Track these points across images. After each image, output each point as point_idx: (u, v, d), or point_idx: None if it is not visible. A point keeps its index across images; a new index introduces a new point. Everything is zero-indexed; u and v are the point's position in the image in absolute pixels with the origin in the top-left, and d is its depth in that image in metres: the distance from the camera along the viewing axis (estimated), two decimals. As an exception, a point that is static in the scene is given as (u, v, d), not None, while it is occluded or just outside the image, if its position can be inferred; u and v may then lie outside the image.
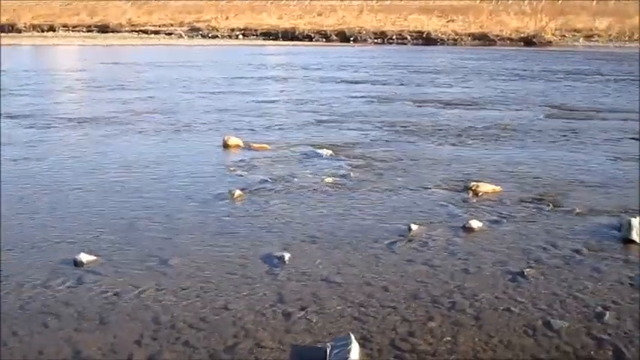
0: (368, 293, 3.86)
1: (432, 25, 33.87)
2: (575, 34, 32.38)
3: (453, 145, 8.12)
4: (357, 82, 15.21)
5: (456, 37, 31.80)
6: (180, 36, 35.42)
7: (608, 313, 3.63)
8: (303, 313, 3.61)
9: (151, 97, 12.57)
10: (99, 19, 39.02)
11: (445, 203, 5.62)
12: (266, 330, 3.43)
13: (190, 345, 3.29)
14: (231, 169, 6.78)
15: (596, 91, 13.89)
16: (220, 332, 3.41)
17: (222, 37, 35.09)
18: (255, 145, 7.89)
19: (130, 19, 39.03)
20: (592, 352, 3.23)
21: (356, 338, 3.24)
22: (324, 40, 33.20)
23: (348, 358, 3.05)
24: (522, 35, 31.31)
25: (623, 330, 3.44)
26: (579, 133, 8.97)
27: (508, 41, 30.88)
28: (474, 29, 32.94)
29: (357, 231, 4.91)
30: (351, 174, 6.53)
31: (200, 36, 35.57)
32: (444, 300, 3.77)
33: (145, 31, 36.96)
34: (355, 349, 3.12)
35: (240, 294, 3.85)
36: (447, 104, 11.70)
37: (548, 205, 5.57)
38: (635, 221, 4.79)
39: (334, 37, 33.24)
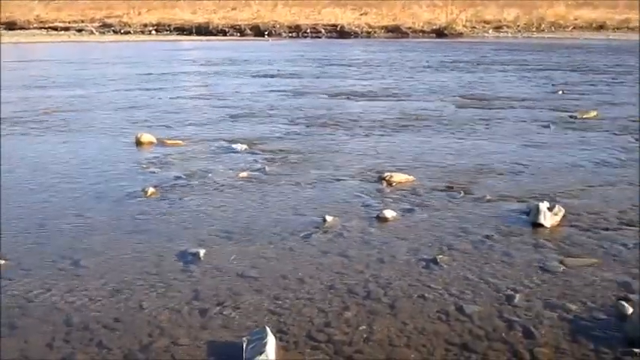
0: (284, 286, 3.86)
1: (345, 18, 34.11)
2: (485, 25, 33.13)
3: (367, 136, 8.20)
4: (271, 76, 15.19)
5: (370, 29, 32.12)
6: (92, 32, 34.69)
7: (518, 295, 3.72)
8: (219, 308, 3.59)
9: (62, 95, 12.27)
10: (5, 16, 37.82)
11: (359, 194, 5.66)
12: (182, 327, 3.39)
13: (104, 346, 3.22)
14: (144, 166, 6.68)
15: (505, 80, 14.24)
16: (135, 332, 3.35)
17: (135, 32, 34.54)
18: (168, 141, 7.79)
19: (38, 16, 38.00)
20: (503, 335, 3.30)
21: (272, 331, 3.23)
22: (238, 34, 33.06)
23: (264, 351, 3.05)
24: (434, 27, 31.87)
25: (533, 311, 3.54)
26: (489, 121, 9.18)
27: (420, 33, 31.37)
28: (387, 22, 33.33)
29: (273, 224, 4.91)
30: (266, 168, 6.52)
31: (112, 32, 34.93)
32: (359, 290, 3.80)
33: (55, 28, 36.06)
34: (271, 342, 3.12)
35: (155, 292, 3.80)
36: (361, 96, 11.81)
37: (460, 193, 5.68)
38: (542, 206, 4.93)
39: (249, 32, 33.14)
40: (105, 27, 35.76)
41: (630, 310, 3.44)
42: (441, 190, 5.77)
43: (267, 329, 3.22)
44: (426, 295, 3.74)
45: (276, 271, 4.08)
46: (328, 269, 4.10)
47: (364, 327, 3.37)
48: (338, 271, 4.07)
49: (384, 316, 3.50)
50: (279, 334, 3.29)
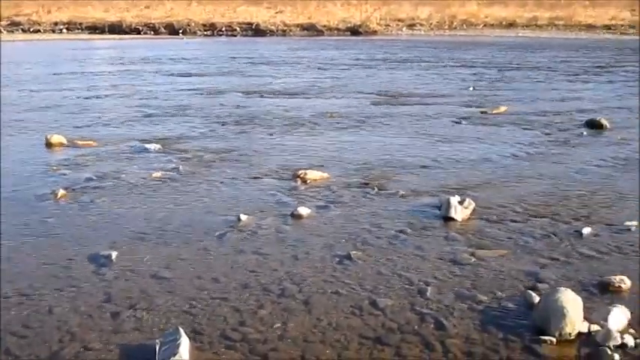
0: (198, 286, 3.83)
1: (261, 16, 34.02)
2: (399, 23, 33.58)
3: (283, 134, 8.20)
4: (186, 75, 15.02)
5: (285, 27, 32.12)
6: (-1, 31, 33.60)
7: (430, 288, 3.79)
8: (131, 311, 3.53)
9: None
10: None
11: (274, 192, 5.67)
12: (93, 332, 3.33)
13: (12, 353, 3.14)
14: (54, 167, 6.51)
15: (419, 77, 14.46)
16: (44, 338, 3.27)
17: (45, 31, 33.62)
18: (79, 142, 7.62)
19: (-59, 14, 36.61)
20: (415, 327, 3.36)
21: (186, 332, 3.20)
22: (152, 33, 32.56)
23: (177, 352, 3.02)
24: (349, 25, 32.08)
25: (444, 303, 3.61)
26: (404, 118, 9.31)
27: (335, 31, 31.54)
28: (303, 20, 33.40)
29: (187, 225, 4.86)
30: (181, 167, 6.45)
31: (21, 31, 33.91)
32: (273, 287, 3.80)
33: (-42, 27, 34.77)
34: (185, 343, 3.09)
35: (65, 297, 3.71)
36: (277, 94, 11.80)
37: (374, 189, 5.74)
38: (453, 199, 5.03)
39: (163, 30, 32.68)
40: (13, 25, 34.69)
41: (537, 299, 3.55)
42: (356, 187, 5.82)
43: (181, 330, 3.19)
44: (340, 290, 3.77)
45: (191, 271, 4.05)
46: (243, 268, 4.09)
47: (279, 324, 3.38)
48: (252, 269, 4.06)
49: (299, 313, 3.51)
50: (194, 334, 3.26)
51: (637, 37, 29.48)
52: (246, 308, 3.56)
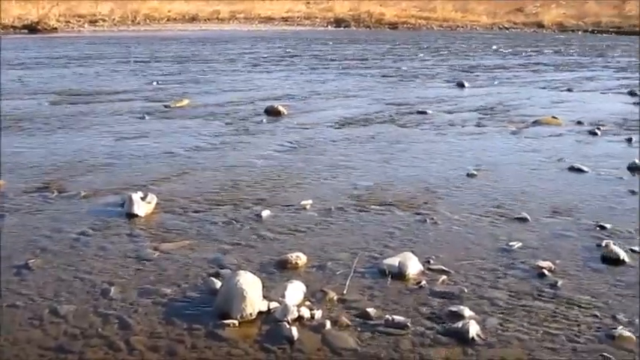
0: None
1: None
2: (80, 19, 32.57)
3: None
4: None
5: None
6: None
7: (113, 288, 3.72)
8: None
9: None
10: None
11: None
12: None
13: None
14: None
15: (102, 74, 14.14)
16: None
17: None
18: None
19: None
20: (99, 330, 3.27)
21: None
22: None
23: None
24: (26, 23, 30.47)
25: (128, 302, 3.57)
26: (86, 116, 9.04)
27: (12, 29, 29.78)
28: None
29: None
30: None
31: None
32: (-60, 310, 3.49)
33: None
34: None
35: None
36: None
37: (53, 192, 5.51)
38: (135, 196, 4.99)
39: None
40: None
41: (219, 285, 3.64)
42: (33, 192, 5.53)
43: None
44: (18, 303, 3.55)
45: None
46: None
47: (-57, 351, 3.12)
48: None
49: (-29, 333, 3.26)
50: None
51: (313, 28, 31.39)
52: None
